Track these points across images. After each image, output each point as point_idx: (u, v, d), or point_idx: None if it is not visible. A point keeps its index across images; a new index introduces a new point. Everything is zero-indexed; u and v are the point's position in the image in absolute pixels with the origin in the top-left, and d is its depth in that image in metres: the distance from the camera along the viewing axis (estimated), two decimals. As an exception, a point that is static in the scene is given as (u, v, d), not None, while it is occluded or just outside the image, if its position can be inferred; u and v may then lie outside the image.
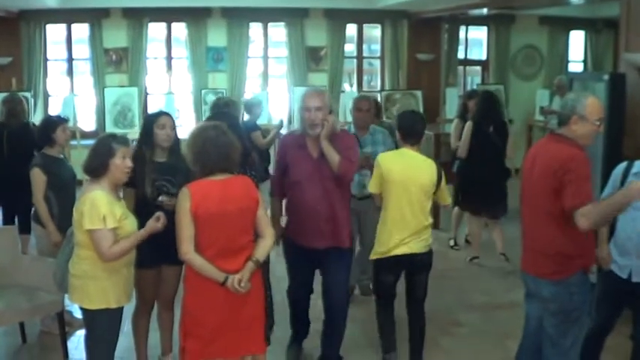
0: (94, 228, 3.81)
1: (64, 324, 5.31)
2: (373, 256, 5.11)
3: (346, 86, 13.05)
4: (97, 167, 3.95)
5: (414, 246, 4.94)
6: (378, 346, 5.37)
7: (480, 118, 7.49)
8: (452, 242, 8.30)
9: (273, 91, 12.48)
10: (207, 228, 3.79)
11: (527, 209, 4.11)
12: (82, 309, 4.10)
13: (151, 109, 11.49)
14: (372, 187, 5.10)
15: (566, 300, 3.93)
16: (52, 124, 5.66)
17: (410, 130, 5.03)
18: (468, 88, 13.20)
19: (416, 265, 5.07)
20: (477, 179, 7.53)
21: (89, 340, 4.16)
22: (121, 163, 3.96)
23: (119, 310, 4.08)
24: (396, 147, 5.64)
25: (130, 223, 3.99)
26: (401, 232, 4.91)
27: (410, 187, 4.87)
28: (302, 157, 4.71)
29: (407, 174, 4.90)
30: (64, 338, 5.30)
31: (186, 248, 3.80)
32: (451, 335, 5.85)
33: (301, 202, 4.73)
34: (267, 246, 4.02)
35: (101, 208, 3.82)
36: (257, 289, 3.99)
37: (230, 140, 3.89)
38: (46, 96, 11.80)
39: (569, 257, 3.90)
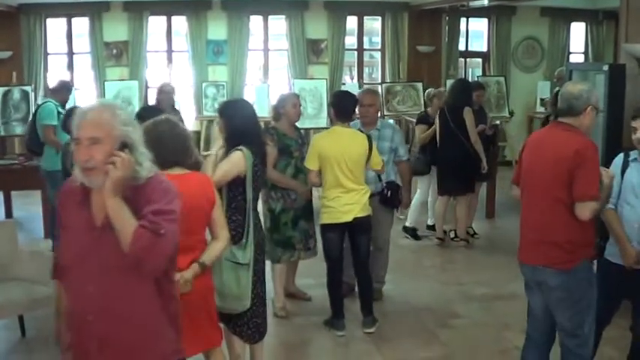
0: None
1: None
2: (322, 222, 5.59)
3: (347, 78, 13.04)
4: None
5: (356, 211, 5.46)
6: (381, 343, 5.37)
7: (443, 104, 7.98)
8: (452, 234, 8.30)
9: (274, 83, 12.46)
10: None
11: (531, 198, 4.04)
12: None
13: (152, 103, 11.51)
14: (309, 164, 5.54)
15: (574, 287, 3.94)
16: None
17: (344, 110, 5.60)
18: (469, 80, 13.17)
19: (360, 227, 5.56)
20: (441, 160, 7.97)
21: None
22: None
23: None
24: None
25: None
26: (343, 199, 5.44)
27: (345, 159, 5.41)
28: (77, 222, 2.75)
29: (340, 149, 5.43)
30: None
31: None
32: (449, 327, 5.83)
33: (70, 304, 2.83)
34: (217, 249, 3.83)
35: None
36: (204, 288, 3.83)
37: (184, 130, 3.86)
38: (47, 90, 11.79)
39: (579, 245, 3.93)
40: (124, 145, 2.64)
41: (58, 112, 7.59)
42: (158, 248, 2.58)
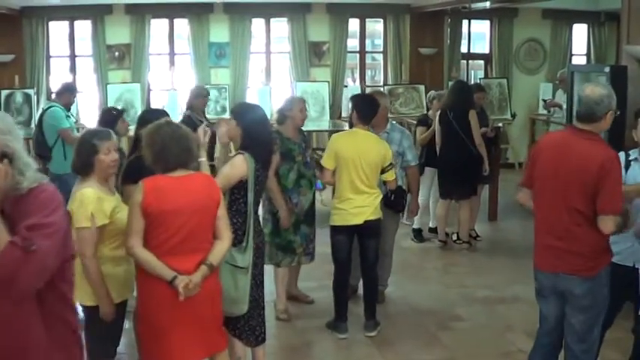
0: (80, 226, 3.82)
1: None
2: (332, 223, 5.60)
3: (349, 81, 13.04)
4: (83, 166, 3.97)
5: (367, 214, 5.46)
6: (383, 345, 5.37)
7: (443, 106, 7.87)
8: (454, 237, 8.29)
9: (276, 86, 12.45)
10: (158, 225, 3.64)
11: (550, 205, 3.98)
12: (81, 306, 4.10)
13: (154, 105, 11.52)
14: (325, 162, 5.53)
15: (597, 293, 3.95)
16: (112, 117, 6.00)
17: (368, 114, 5.59)
18: (472, 82, 13.15)
19: (370, 231, 5.55)
20: (443, 163, 7.91)
21: (89, 337, 4.15)
22: (106, 158, 3.98)
23: (120, 306, 4.07)
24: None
25: (124, 216, 3.92)
26: (355, 201, 5.44)
27: (361, 162, 5.42)
28: None
29: (358, 152, 5.44)
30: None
31: (132, 242, 3.66)
32: (452, 330, 5.84)
33: None
34: (222, 249, 3.84)
35: (88, 207, 3.82)
36: (211, 290, 3.82)
37: (187, 132, 3.86)
38: (49, 93, 11.78)
39: (601, 252, 3.94)
40: (4, 155, 2.45)
41: (66, 116, 7.71)
42: (27, 266, 2.34)
